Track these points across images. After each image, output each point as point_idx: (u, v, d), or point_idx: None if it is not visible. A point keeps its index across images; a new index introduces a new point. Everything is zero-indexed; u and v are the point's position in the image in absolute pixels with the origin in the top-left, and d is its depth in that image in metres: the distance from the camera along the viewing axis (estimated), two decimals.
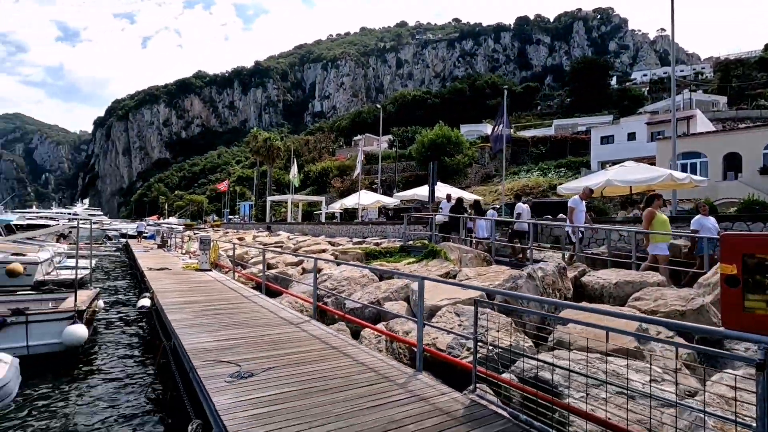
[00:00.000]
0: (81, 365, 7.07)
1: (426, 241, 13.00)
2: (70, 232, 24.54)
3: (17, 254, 13.84)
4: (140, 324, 9.64)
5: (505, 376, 3.72)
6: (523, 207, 11.55)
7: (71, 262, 16.44)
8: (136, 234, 31.47)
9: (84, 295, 8.16)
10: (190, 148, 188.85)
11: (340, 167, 47.19)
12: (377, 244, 13.29)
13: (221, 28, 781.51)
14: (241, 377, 3.88)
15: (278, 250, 15.38)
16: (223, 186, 46.21)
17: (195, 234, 21.64)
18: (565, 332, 4.49)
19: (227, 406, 3.26)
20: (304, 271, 11.29)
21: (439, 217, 11.85)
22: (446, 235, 12.00)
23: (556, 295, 5.93)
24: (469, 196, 18.02)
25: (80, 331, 6.94)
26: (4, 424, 4.70)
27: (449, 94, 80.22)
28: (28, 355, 6.56)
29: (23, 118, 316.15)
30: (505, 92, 16.28)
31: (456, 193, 16.73)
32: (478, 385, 3.63)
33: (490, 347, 3.89)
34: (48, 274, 14.64)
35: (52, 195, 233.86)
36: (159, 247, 22.94)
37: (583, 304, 5.19)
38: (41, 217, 32.47)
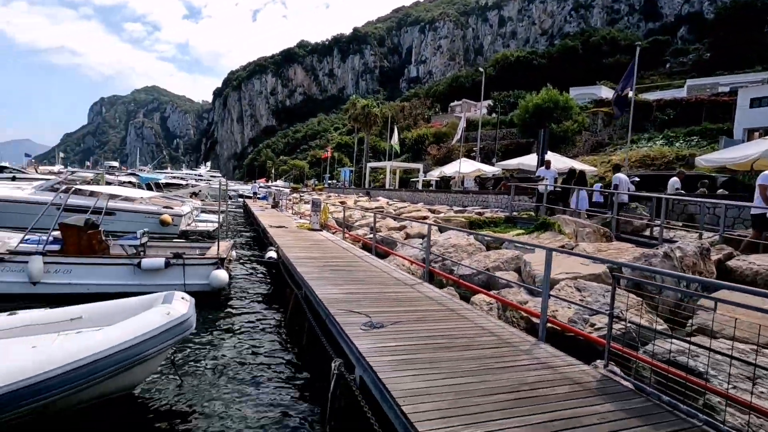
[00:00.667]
0: (223, 305, 8.30)
1: (532, 213, 12.49)
2: (200, 190, 28.41)
3: (167, 207, 16.43)
4: (267, 273, 10.91)
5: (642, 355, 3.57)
6: (621, 178, 11.00)
7: (203, 217, 19.08)
8: (251, 195, 35.02)
9: (223, 245, 9.49)
10: (293, 115, 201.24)
11: (436, 134, 46.56)
12: (479, 214, 13.12)
13: None
14: (374, 327, 4.28)
15: (380, 215, 16.06)
16: (326, 153, 48.51)
17: (301, 196, 23.43)
18: (707, 318, 4.11)
19: (369, 350, 3.66)
20: (408, 236, 11.65)
21: (540, 188, 11.23)
22: (553, 207, 11.40)
23: None
24: (579, 167, 16.69)
25: (223, 275, 8.16)
26: (186, 350, 5.82)
27: (558, 54, 73.07)
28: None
29: (159, 90, 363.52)
30: (637, 49, 14.53)
31: (564, 163, 15.61)
32: (610, 361, 3.55)
33: (628, 324, 3.74)
34: (188, 225, 17.18)
35: (182, 158, 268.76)
36: (272, 207, 25.34)
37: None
38: (174, 177, 37.91)
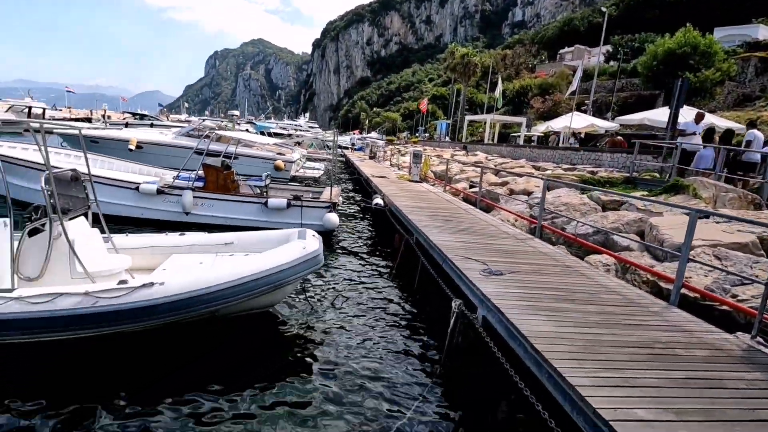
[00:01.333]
0: (335, 246, 9.07)
1: (656, 174, 11.27)
2: (303, 140, 30.29)
3: (280, 154, 17.92)
4: (372, 218, 11.53)
5: None
6: (756, 135, 9.91)
7: (309, 164, 20.48)
8: (349, 146, 36.33)
9: (333, 191, 10.23)
10: (388, 66, 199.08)
11: (542, 85, 42.89)
12: (592, 173, 12.19)
13: None
14: (493, 273, 4.45)
15: (478, 169, 15.76)
16: (423, 105, 47.80)
17: (399, 149, 23.70)
18: None
19: (492, 293, 3.86)
20: (512, 192, 11.35)
21: (687, 146, 9.96)
22: (684, 167, 10.14)
23: None
24: (722, 123, 14.38)
25: (335, 218, 8.90)
26: (319, 281, 6.61)
27: None
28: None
29: (264, 42, 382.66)
30: None
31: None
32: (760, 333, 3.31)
33: None
34: (297, 171, 18.63)
35: (283, 109, 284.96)
36: (369, 158, 26.16)
37: None
38: (279, 127, 40.73)
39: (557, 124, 20.04)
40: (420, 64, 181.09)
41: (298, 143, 28.25)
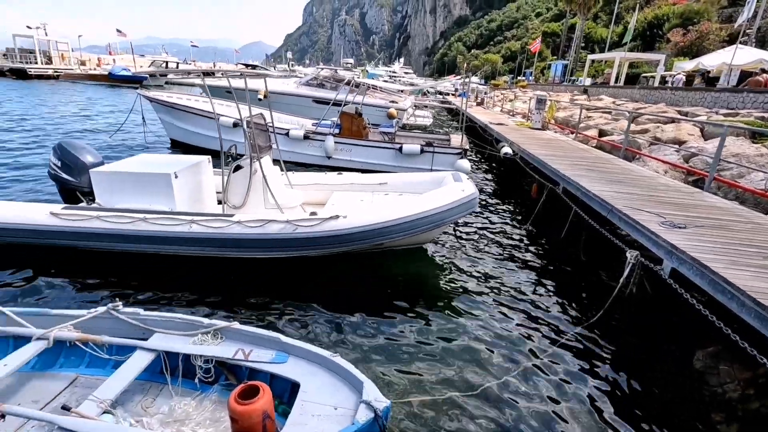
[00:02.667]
0: None
1: None
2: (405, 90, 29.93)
3: (393, 102, 18.08)
4: (498, 166, 11.32)
5: None
6: None
7: (418, 112, 20.39)
8: (452, 92, 35.07)
9: (459, 138, 10.17)
10: (488, 2, 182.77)
11: (683, 14, 36.08)
12: (763, 119, 10.34)
13: None
14: (675, 226, 4.22)
15: (608, 115, 14.29)
16: (535, 46, 43.70)
17: (513, 94, 22.29)
18: None
19: (685, 246, 3.68)
20: (657, 140, 10.20)
21: None
22: None
23: None
24: None
25: (466, 164, 8.92)
26: (474, 223, 6.86)
27: None
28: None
29: None
30: None
31: None
32: None
33: None
34: (407, 119, 18.74)
35: (377, 54, 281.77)
36: (477, 104, 25.09)
37: None
38: (387, 75, 40.61)
39: (710, 60, 16.95)
40: None
41: (401, 90, 28.10)
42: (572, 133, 13.21)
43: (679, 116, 12.42)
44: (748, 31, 24.46)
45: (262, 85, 18.30)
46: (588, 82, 26.78)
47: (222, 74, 5.78)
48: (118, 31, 44.44)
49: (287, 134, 9.26)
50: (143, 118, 10.63)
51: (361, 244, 4.66)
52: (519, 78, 60.53)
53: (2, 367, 2.58)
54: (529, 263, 5.61)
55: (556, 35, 65.83)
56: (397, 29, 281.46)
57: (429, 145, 9.25)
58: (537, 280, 5.16)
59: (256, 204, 5.18)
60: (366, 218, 4.54)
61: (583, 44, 51.71)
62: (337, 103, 16.04)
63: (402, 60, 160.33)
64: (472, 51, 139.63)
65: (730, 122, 9.88)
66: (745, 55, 15.57)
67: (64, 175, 5.20)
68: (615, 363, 3.67)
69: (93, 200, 5.24)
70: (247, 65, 58.86)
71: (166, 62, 39.94)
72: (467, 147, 9.39)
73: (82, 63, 41.44)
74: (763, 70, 15.45)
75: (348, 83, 10.62)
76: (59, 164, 5.20)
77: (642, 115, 11.52)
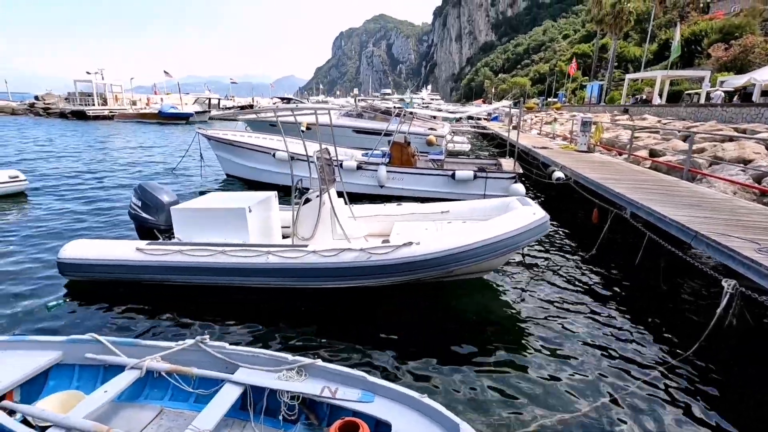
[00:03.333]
0: None
1: None
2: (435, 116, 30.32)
3: (431, 129, 18.30)
4: (548, 193, 11.08)
5: None
6: None
7: (455, 138, 20.51)
8: (485, 116, 35.17)
9: (511, 162, 10.11)
10: (514, 27, 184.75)
11: (722, 28, 35.13)
12: None
13: None
14: None
15: (657, 135, 13.88)
16: (572, 68, 43.59)
17: (554, 116, 22.11)
18: None
19: None
20: (718, 159, 9.78)
21: None
22: None
23: None
24: None
25: (521, 188, 8.84)
26: (535, 249, 6.73)
27: None
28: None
29: (385, 18, 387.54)
30: None
31: None
32: None
33: None
34: (446, 145, 18.86)
35: (404, 83, 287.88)
36: (513, 128, 24.99)
37: None
38: (423, 103, 41.41)
39: (764, 74, 16.32)
40: (552, 20, 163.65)
41: (433, 117, 28.47)
42: (620, 154, 12.90)
43: (737, 134, 11.93)
44: None
45: (305, 118, 19.11)
46: (628, 101, 26.22)
47: (293, 110, 6.03)
48: (165, 72, 47.66)
49: (341, 165, 9.51)
50: (201, 154, 11.27)
51: (434, 270, 4.61)
52: (551, 100, 60.11)
53: (103, 394, 2.65)
54: (602, 292, 5.39)
55: (587, 56, 65.32)
56: (423, 57, 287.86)
57: (481, 170, 9.25)
58: (615, 309, 4.94)
59: (325, 235, 5.29)
60: (439, 244, 4.52)
61: (616, 64, 51.11)
62: (382, 133, 16.39)
63: (429, 87, 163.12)
64: (499, 75, 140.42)
65: None
66: None
67: (144, 214, 5.52)
68: (719, 396, 3.43)
69: (169, 237, 5.53)
70: (282, 99, 61.53)
71: (209, 99, 42.20)
72: (520, 171, 9.32)
73: (133, 103, 44.50)
74: None
75: (399, 114, 10.83)
76: (140, 204, 5.54)
77: (699, 134, 11.12)
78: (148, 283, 4.94)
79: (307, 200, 5.47)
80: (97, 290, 5.01)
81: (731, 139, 11.41)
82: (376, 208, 6.48)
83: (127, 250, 4.87)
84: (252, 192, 6.03)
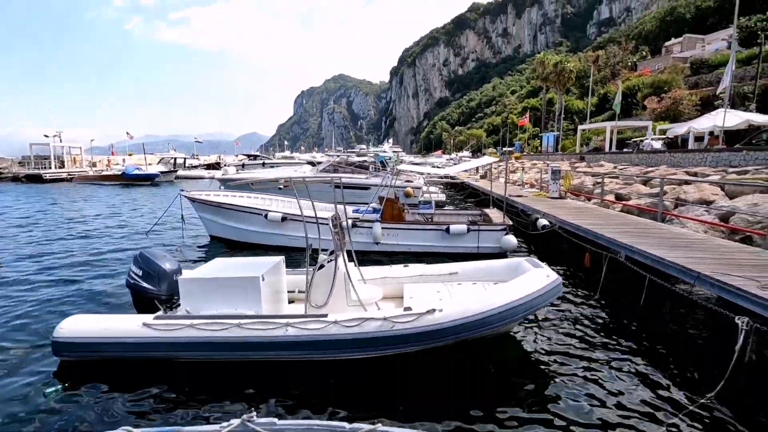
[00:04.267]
0: None
1: None
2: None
3: (408, 181, 18.87)
4: (533, 240, 11.42)
5: None
6: None
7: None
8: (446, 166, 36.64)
9: (498, 213, 10.51)
10: (466, 84, 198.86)
11: (653, 83, 39.47)
12: None
13: None
14: None
15: (616, 180, 15.00)
16: (524, 121, 46.92)
17: (521, 165, 23.37)
18: None
19: None
20: (682, 201, 10.62)
21: None
22: None
23: None
24: None
25: (513, 240, 9.15)
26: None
27: None
28: (477, 254, 9.17)
29: (344, 77, 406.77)
30: None
31: None
32: None
33: None
34: (422, 196, 19.40)
35: (365, 137, 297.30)
36: (482, 177, 26.19)
37: None
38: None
39: (701, 123, 18.30)
40: (500, 78, 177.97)
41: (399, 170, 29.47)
42: (588, 199, 13.77)
43: (701, 179, 13.09)
44: (721, 95, 26.69)
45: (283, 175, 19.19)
46: (583, 150, 28.36)
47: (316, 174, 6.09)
48: (127, 133, 47.03)
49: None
50: (182, 216, 10.98)
51: (457, 337, 4.55)
52: (506, 149, 63.85)
53: None
54: (614, 336, 5.52)
55: (536, 109, 70.76)
56: (383, 113, 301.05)
57: (473, 223, 9.53)
58: (629, 352, 5.05)
59: (339, 302, 5.10)
60: (462, 310, 4.52)
61: (563, 116, 55.76)
62: (362, 187, 16.62)
63: (391, 140, 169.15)
64: (456, 128, 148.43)
65: (747, 180, 10.43)
66: (733, 118, 16.83)
67: (145, 284, 5.22)
68: None
69: (171, 308, 5.24)
70: (249, 156, 61.71)
71: (174, 158, 41.67)
72: (510, 223, 9.68)
73: (93, 165, 43.17)
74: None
75: (378, 169, 11.10)
76: (140, 273, 5.25)
77: (667, 178, 12.08)
78: (160, 362, 4.58)
79: (321, 266, 5.37)
80: (94, 371, 4.57)
81: (686, 182, 12.52)
82: (384, 270, 6.41)
83: (133, 325, 4.53)
84: (259, 257, 5.85)
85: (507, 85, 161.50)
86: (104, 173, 35.09)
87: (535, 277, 5.07)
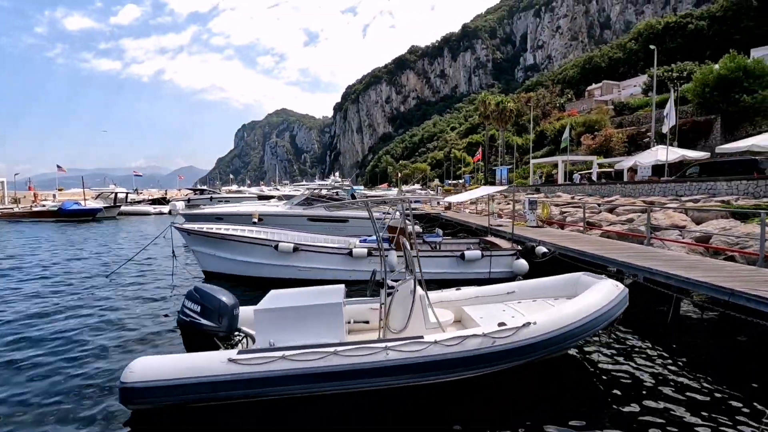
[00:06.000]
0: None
1: None
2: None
3: (386, 214, 19.02)
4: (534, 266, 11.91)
5: None
6: None
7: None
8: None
9: (499, 241, 10.92)
10: (408, 120, 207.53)
11: (585, 122, 43.87)
12: (725, 202, 12.54)
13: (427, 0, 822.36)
14: None
15: (586, 209, 16.30)
16: (478, 156, 49.67)
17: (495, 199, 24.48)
18: None
19: None
20: (654, 227, 11.71)
21: None
22: None
23: None
24: None
25: (525, 264, 9.53)
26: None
27: (725, 11, 62.28)
28: (489, 279, 9.43)
29: (287, 111, 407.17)
30: None
31: None
32: None
33: None
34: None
35: (309, 171, 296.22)
36: (446, 208, 27.06)
37: None
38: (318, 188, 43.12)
39: (645, 158, 20.59)
40: (439, 115, 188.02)
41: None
42: (561, 227, 14.79)
43: (627, 209, 14.54)
44: (648, 133, 30.31)
45: (257, 209, 18.53)
46: (537, 181, 30.55)
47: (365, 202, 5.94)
48: (58, 167, 43.19)
49: (350, 254, 9.36)
50: (173, 252, 10.22)
51: (552, 349, 4.65)
52: (453, 182, 66.78)
53: None
54: (654, 350, 5.81)
55: (479, 144, 75.28)
56: (327, 147, 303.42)
57: (487, 249, 9.83)
58: (680, 367, 5.37)
59: (417, 325, 5.00)
60: (554, 321, 4.62)
61: (506, 151, 59.97)
62: (337, 220, 16.48)
63: (337, 174, 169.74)
64: (400, 161, 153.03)
65: (704, 207, 11.83)
66: (671, 154, 19.13)
67: (204, 321, 4.79)
68: None
69: (231, 345, 4.86)
70: (195, 190, 58.90)
71: (115, 193, 38.86)
72: (519, 248, 10.09)
73: (16, 201, 38.81)
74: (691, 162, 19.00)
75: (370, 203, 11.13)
76: (198, 309, 4.82)
77: (654, 206, 13.28)
78: (234, 402, 4.15)
79: (391, 290, 5.31)
80: (173, 420, 4.05)
81: (643, 211, 13.90)
82: (439, 295, 6.39)
83: (217, 362, 4.06)
84: (318, 287, 5.59)
85: (447, 122, 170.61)
86: (35, 209, 31.59)
87: (607, 288, 5.31)
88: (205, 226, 10.17)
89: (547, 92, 75.95)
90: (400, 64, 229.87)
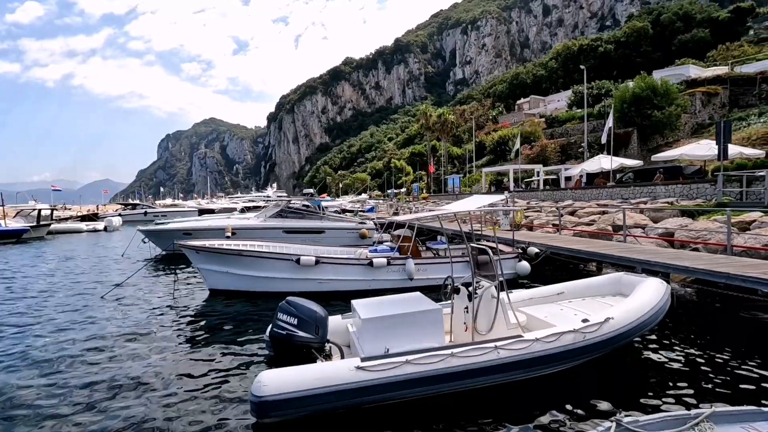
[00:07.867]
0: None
1: (732, 198, 13.69)
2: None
3: (362, 223, 19.25)
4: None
5: None
6: None
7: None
8: (354, 209, 37.94)
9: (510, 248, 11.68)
10: (345, 131, 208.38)
11: (521, 134, 47.45)
12: (670, 203, 14.52)
13: (359, 13, 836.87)
14: None
15: (550, 213, 17.83)
16: (432, 166, 51.36)
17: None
18: None
19: None
20: (617, 228, 13.24)
21: None
22: None
23: None
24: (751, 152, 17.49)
25: (527, 266, 10.32)
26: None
27: (626, 37, 71.21)
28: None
29: (216, 121, 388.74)
30: None
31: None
32: None
33: None
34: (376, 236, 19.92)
35: (242, 182, 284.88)
36: (394, 214, 27.84)
37: None
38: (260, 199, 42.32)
39: (590, 165, 22.95)
40: (376, 126, 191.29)
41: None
42: (530, 229, 16.12)
43: (593, 210, 16.34)
44: (582, 144, 33.66)
45: (230, 223, 17.79)
46: (488, 189, 32.52)
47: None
48: None
49: (371, 264, 9.51)
50: (176, 273, 9.69)
51: (625, 341, 5.28)
52: (395, 191, 68.32)
53: None
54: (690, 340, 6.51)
55: (422, 154, 77.84)
56: (261, 158, 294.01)
57: (494, 253, 10.47)
58: (708, 341, 6.32)
59: (500, 326, 5.38)
60: (626, 316, 5.22)
61: (447, 160, 62.77)
62: (312, 231, 16.57)
63: (275, 185, 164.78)
64: (339, 172, 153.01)
65: (651, 209, 13.63)
66: (614, 162, 21.56)
67: (301, 333, 4.84)
68: None
69: (329, 357, 4.94)
70: (126, 204, 54.32)
71: (38, 210, 34.85)
72: (520, 251, 10.89)
73: None
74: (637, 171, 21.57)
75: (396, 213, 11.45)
76: (294, 322, 4.86)
77: (629, 209, 14.80)
78: (358, 408, 4.26)
79: (470, 296, 5.63)
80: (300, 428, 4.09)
81: (604, 212, 15.65)
82: None
83: (344, 370, 4.16)
84: (401, 294, 5.80)
85: (384, 133, 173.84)
86: None
87: (656, 285, 6.07)
88: (216, 243, 9.75)
89: (480, 105, 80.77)
90: (335, 75, 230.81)
